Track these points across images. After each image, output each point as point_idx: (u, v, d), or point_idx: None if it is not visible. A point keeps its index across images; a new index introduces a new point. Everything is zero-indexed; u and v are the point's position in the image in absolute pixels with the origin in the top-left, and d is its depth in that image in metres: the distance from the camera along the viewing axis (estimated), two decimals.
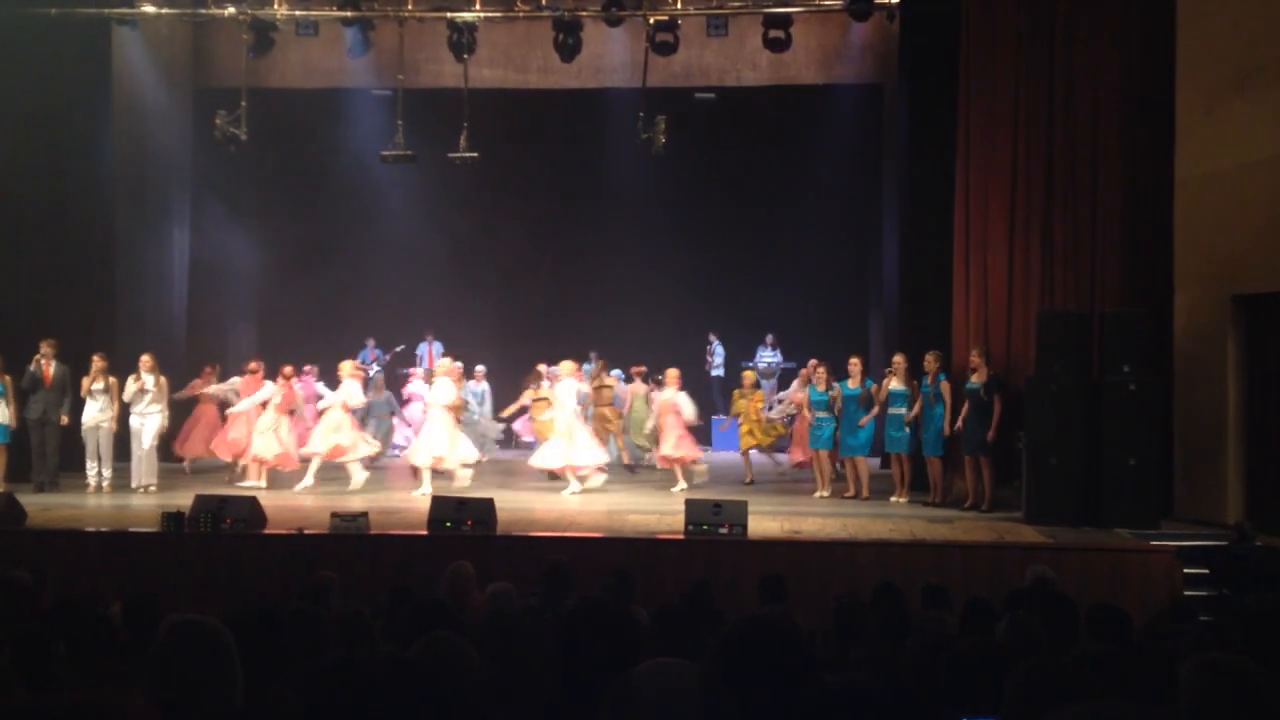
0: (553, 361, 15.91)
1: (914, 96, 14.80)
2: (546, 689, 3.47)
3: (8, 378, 13.52)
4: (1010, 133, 13.21)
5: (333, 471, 14.22)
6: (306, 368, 16.30)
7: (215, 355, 16.63)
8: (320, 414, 14.49)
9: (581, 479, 13.89)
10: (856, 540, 10.97)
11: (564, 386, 14.10)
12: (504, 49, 17.14)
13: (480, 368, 16.90)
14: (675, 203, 19.16)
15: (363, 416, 15.45)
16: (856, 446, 13.68)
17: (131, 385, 13.54)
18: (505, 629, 5.10)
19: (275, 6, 15.51)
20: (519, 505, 12.65)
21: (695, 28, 15.93)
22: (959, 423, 12.61)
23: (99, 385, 13.55)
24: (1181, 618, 7.55)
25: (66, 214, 15.09)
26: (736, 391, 15.34)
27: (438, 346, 19.27)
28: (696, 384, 16.86)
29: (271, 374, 14.60)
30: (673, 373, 14.77)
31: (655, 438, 15.12)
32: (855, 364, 13.82)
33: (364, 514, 10.97)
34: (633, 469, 15.84)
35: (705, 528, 10.71)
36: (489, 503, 11.13)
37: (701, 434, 16.69)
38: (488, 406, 16.77)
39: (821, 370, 14.09)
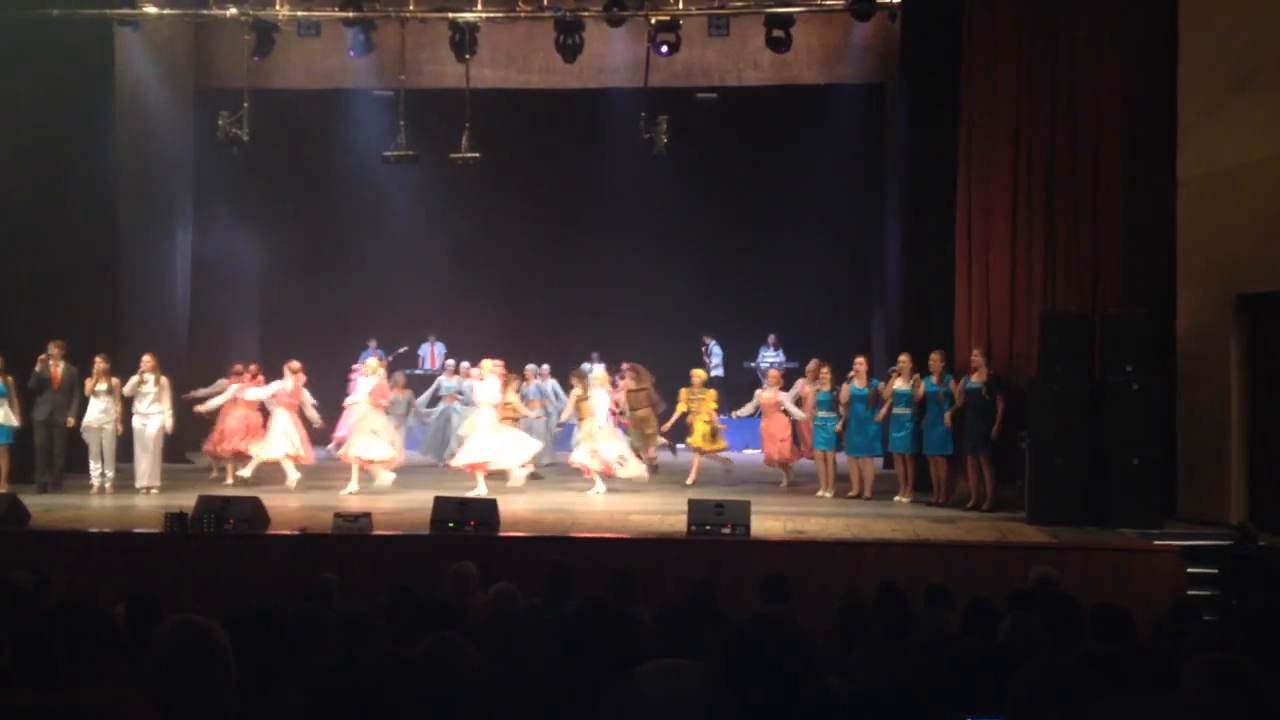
0: (552, 362, 16.00)
1: (916, 96, 14.80)
2: (549, 689, 3.46)
3: (11, 378, 13.53)
4: (1012, 132, 13.21)
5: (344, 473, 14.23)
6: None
7: (218, 356, 16.63)
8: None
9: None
10: (859, 540, 10.97)
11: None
12: (505, 49, 17.15)
13: (544, 367, 16.96)
14: (677, 203, 19.16)
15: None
16: (863, 446, 13.65)
17: (132, 381, 13.55)
18: (508, 629, 5.11)
19: (277, 7, 15.52)
20: (522, 506, 12.65)
21: (697, 27, 15.93)
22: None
23: (102, 386, 13.55)
24: (1185, 617, 7.53)
25: (69, 215, 15.10)
26: (685, 391, 15.11)
27: (440, 347, 19.28)
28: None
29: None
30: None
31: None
32: (861, 363, 13.80)
33: (366, 514, 10.97)
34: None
35: (708, 528, 10.70)
36: (492, 503, 11.13)
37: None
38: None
39: (825, 370, 14.08)
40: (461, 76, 15.92)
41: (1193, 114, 12.37)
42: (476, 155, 15.58)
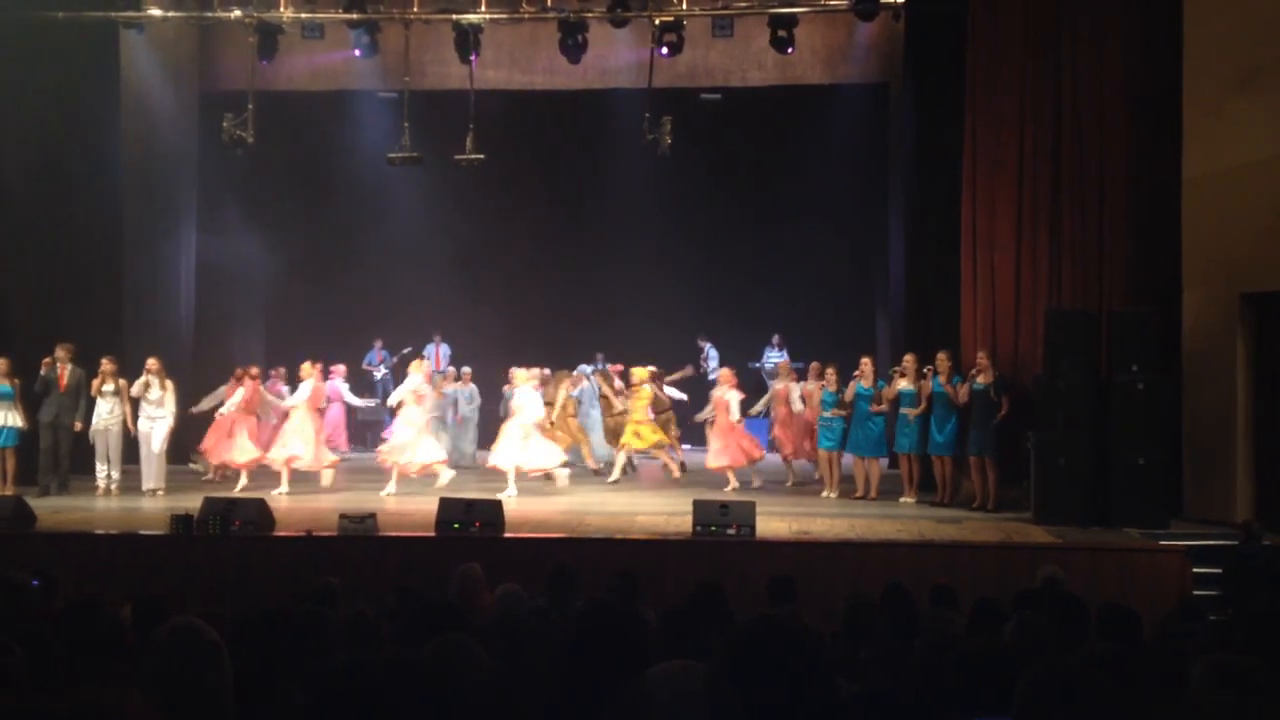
0: (554, 364, 16.00)
1: (920, 96, 14.79)
2: (555, 690, 3.47)
3: (17, 380, 13.55)
4: (1017, 131, 13.20)
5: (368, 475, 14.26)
6: (333, 368, 16.46)
7: (223, 358, 16.62)
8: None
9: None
10: (864, 541, 10.97)
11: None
12: (509, 50, 17.15)
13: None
14: (681, 203, 19.14)
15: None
16: (868, 447, 13.64)
17: (138, 384, 13.57)
18: (514, 630, 5.12)
19: (281, 9, 15.52)
20: (527, 507, 12.65)
21: (701, 28, 15.92)
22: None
23: (109, 388, 13.57)
24: (1191, 617, 7.54)
25: (74, 218, 15.11)
26: (629, 388, 15.07)
27: (445, 348, 19.27)
28: (694, 389, 16.80)
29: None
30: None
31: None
32: (866, 363, 13.79)
33: (372, 516, 10.98)
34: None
35: (713, 529, 10.71)
36: (497, 504, 11.15)
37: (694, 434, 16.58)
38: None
39: (830, 370, 14.07)
40: (465, 78, 15.92)
41: (1197, 113, 12.35)
42: (480, 156, 15.57)
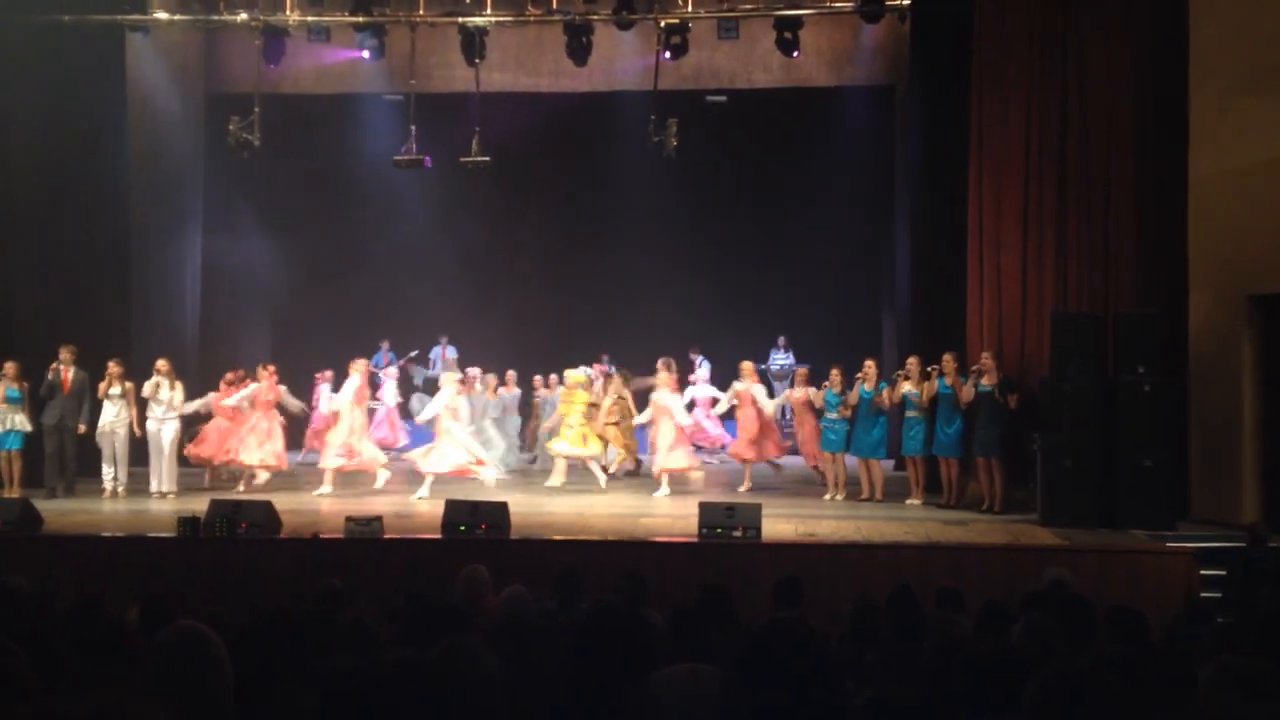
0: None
1: (925, 97, 14.78)
2: (562, 692, 3.47)
3: (24, 384, 13.57)
4: (1023, 133, 13.18)
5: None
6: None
7: (229, 360, 16.61)
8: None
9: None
10: (870, 543, 10.96)
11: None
12: (515, 53, 17.17)
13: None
14: (687, 205, 19.15)
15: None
16: (870, 448, 13.63)
17: (148, 386, 13.59)
18: (520, 632, 5.11)
19: (287, 12, 15.54)
20: (533, 509, 12.65)
21: (706, 30, 15.92)
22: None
23: (115, 390, 13.59)
24: (1199, 620, 7.51)
25: (81, 220, 15.14)
26: (563, 392, 15.01)
27: (451, 350, 19.29)
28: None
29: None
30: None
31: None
32: (870, 366, 13.78)
33: (378, 518, 10.98)
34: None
35: (719, 531, 10.70)
36: (502, 506, 11.14)
37: None
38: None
39: (835, 372, 14.06)
40: (471, 80, 15.94)
41: (1204, 113, 12.33)
42: (486, 159, 15.59)
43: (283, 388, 14.67)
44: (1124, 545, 10.88)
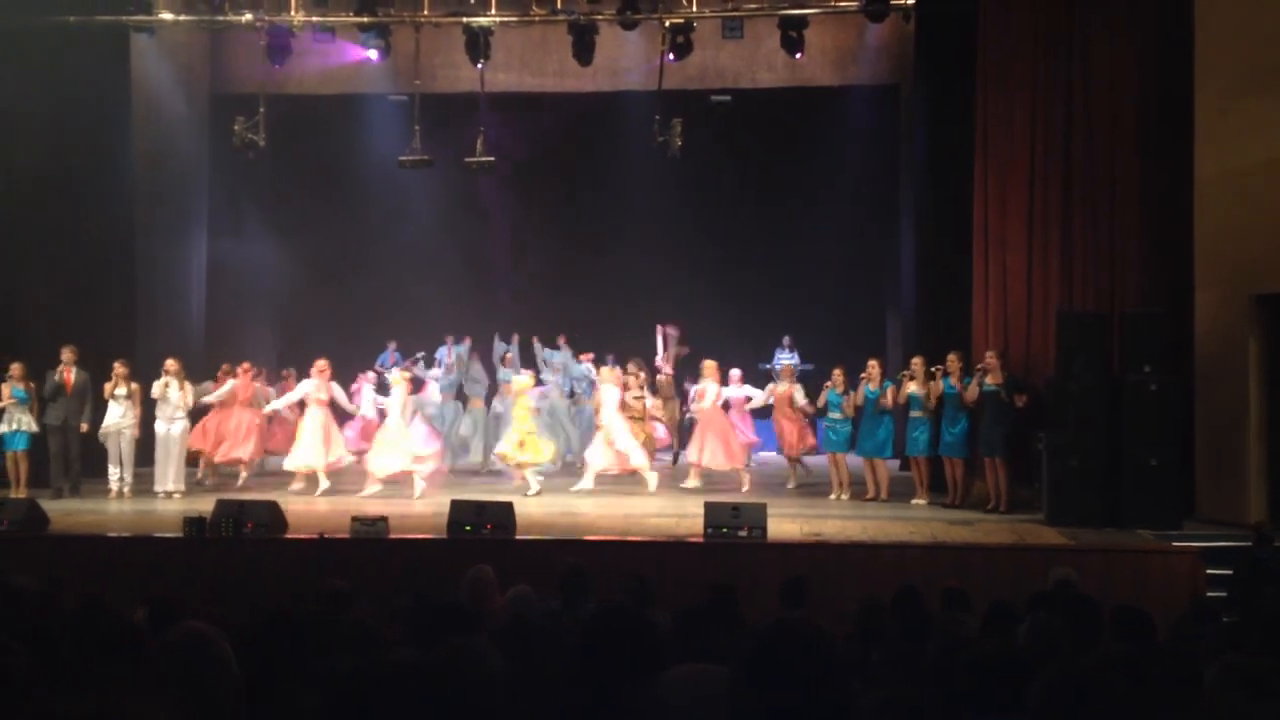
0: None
1: (930, 97, 14.78)
2: (568, 692, 3.47)
3: (31, 384, 13.59)
4: (1028, 132, 13.17)
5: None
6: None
7: (235, 361, 16.60)
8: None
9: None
10: (876, 542, 10.96)
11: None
12: (519, 53, 17.17)
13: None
14: (692, 205, 19.14)
15: None
16: (875, 448, 13.63)
17: (157, 386, 13.60)
18: (526, 633, 5.11)
19: (292, 13, 15.55)
20: (539, 509, 12.65)
21: (711, 30, 15.91)
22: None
23: (121, 390, 13.61)
24: (1204, 619, 7.50)
25: (86, 221, 15.17)
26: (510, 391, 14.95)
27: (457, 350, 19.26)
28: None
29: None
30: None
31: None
32: (874, 366, 13.78)
33: (383, 518, 10.99)
34: None
35: (724, 530, 10.70)
36: (508, 506, 11.14)
37: None
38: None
39: (837, 372, 14.07)
40: (476, 80, 15.95)
41: (1209, 112, 12.32)
42: (491, 159, 15.60)
43: (261, 386, 14.77)
44: (1130, 545, 10.86)
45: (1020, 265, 13.17)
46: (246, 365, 14.89)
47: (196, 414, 14.70)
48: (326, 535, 11.05)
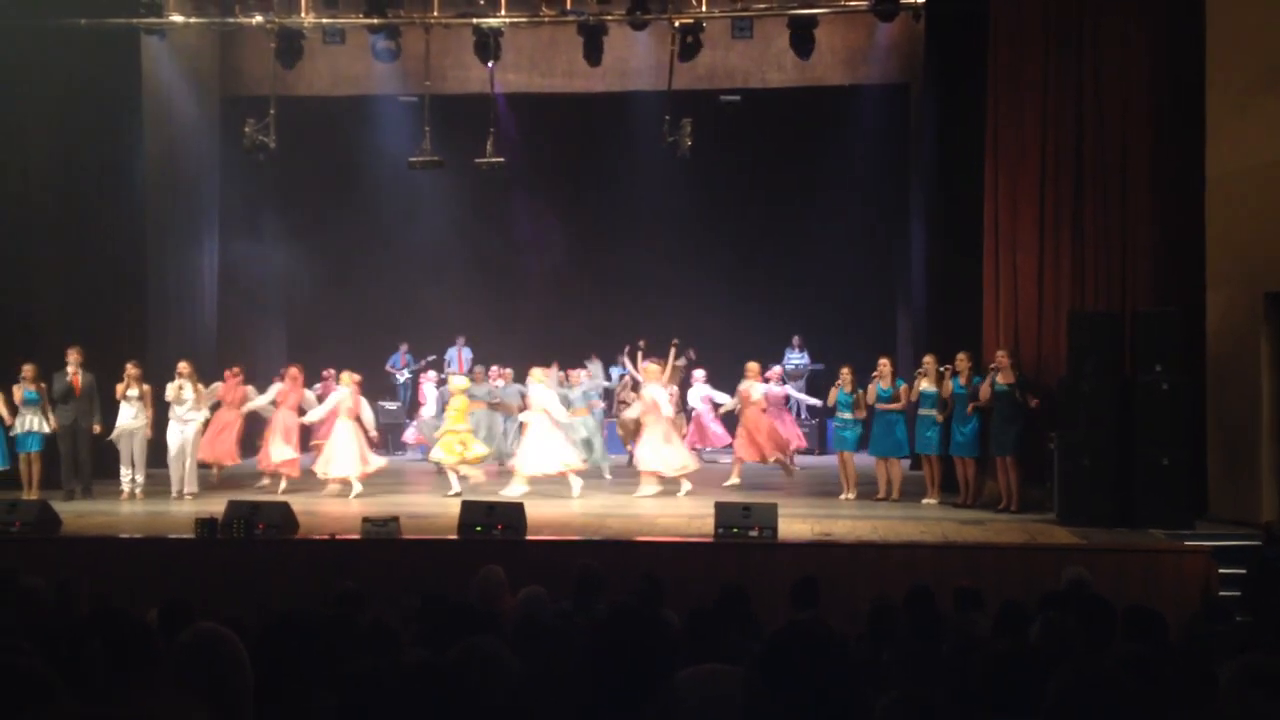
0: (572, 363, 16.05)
1: (940, 96, 14.75)
2: (580, 693, 3.47)
3: (43, 385, 13.63)
4: (1039, 131, 13.13)
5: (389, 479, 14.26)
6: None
7: (246, 363, 16.67)
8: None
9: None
10: (887, 542, 10.95)
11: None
12: (529, 53, 17.19)
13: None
14: (701, 205, 19.15)
15: None
16: (889, 448, 13.61)
17: (171, 388, 13.63)
18: (538, 633, 5.12)
19: (302, 15, 15.58)
20: (548, 509, 12.66)
21: (720, 30, 15.91)
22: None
23: (134, 392, 13.64)
24: (1217, 619, 7.48)
25: (98, 224, 15.22)
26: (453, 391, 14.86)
27: (467, 352, 19.32)
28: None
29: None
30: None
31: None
32: (885, 364, 13.77)
33: (395, 519, 11.01)
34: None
35: (735, 530, 10.70)
36: (519, 507, 11.15)
37: None
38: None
39: (846, 371, 14.07)
40: (486, 81, 15.96)
41: (1221, 111, 12.27)
42: (501, 160, 15.61)
43: (250, 388, 14.88)
44: (1142, 544, 10.84)
45: (1031, 264, 13.14)
46: (236, 369, 14.97)
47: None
48: (338, 536, 11.07)
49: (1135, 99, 12.88)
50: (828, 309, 19.24)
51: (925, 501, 13.26)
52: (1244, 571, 10.07)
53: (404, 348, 19.31)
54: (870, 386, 13.68)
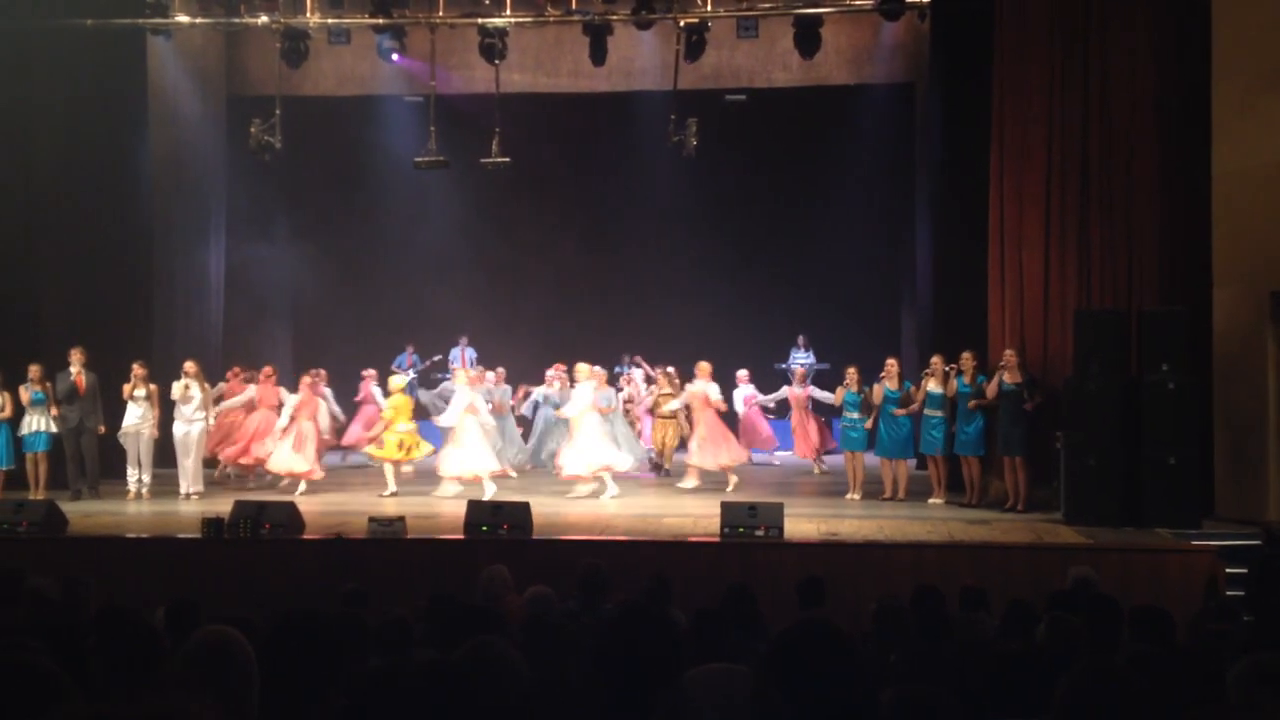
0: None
1: (946, 95, 14.73)
2: (587, 692, 3.47)
3: (49, 385, 13.66)
4: (1044, 130, 13.11)
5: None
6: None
7: (252, 362, 16.68)
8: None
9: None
10: (893, 542, 10.94)
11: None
12: (534, 53, 17.20)
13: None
14: (707, 205, 19.15)
15: None
16: (895, 448, 13.60)
17: (177, 388, 13.65)
18: (544, 632, 5.12)
19: (308, 15, 15.60)
20: (554, 509, 12.66)
21: (725, 29, 15.91)
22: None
23: (140, 392, 13.66)
24: (1224, 618, 7.47)
25: (104, 224, 15.23)
26: (389, 400, 14.75)
27: (470, 352, 19.33)
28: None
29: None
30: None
31: None
32: (892, 365, 13.77)
33: (401, 519, 11.02)
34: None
35: (741, 530, 10.69)
36: (525, 507, 11.16)
37: None
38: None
39: (852, 371, 14.07)
40: (491, 81, 15.98)
41: (1227, 110, 12.26)
42: (506, 160, 15.61)
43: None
44: (1148, 544, 10.82)
45: (1037, 264, 13.12)
46: (236, 369, 15.06)
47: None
48: (344, 536, 11.08)
49: (1141, 98, 12.86)
50: (833, 308, 19.23)
51: (931, 501, 13.25)
52: (1245, 571, 10.06)
53: (410, 348, 19.33)
54: (877, 387, 13.68)
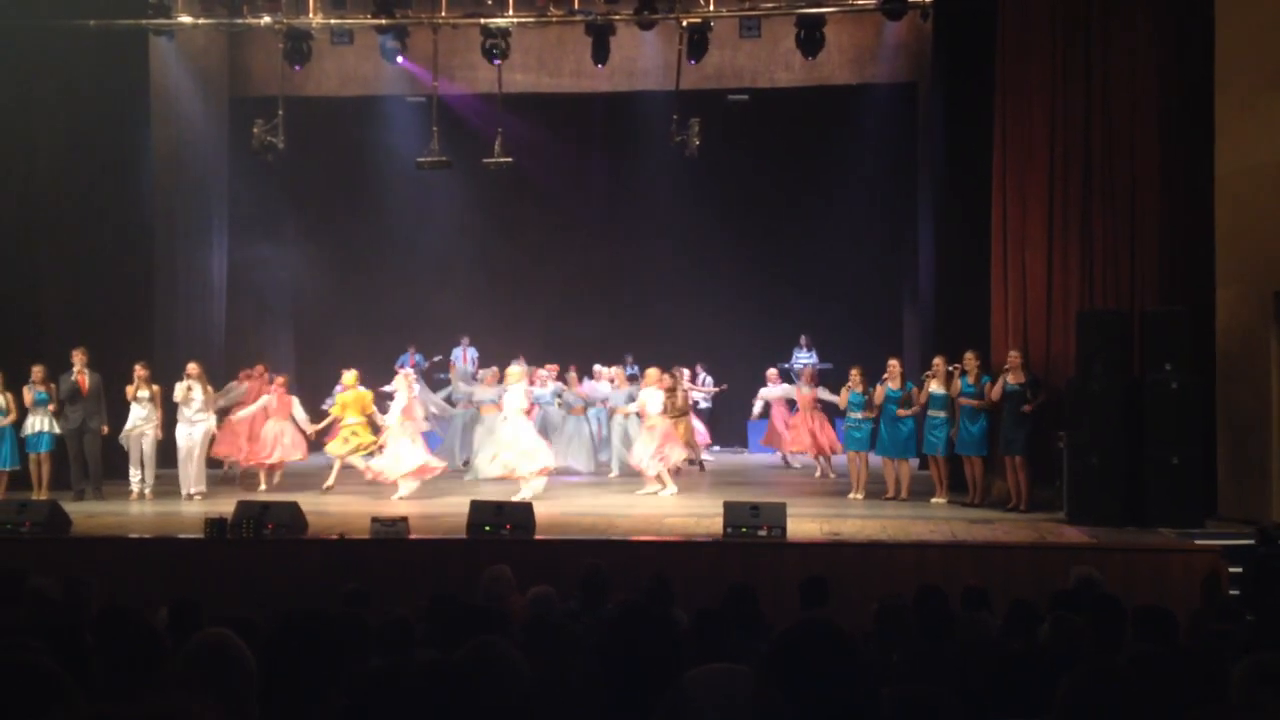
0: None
1: (948, 95, 14.73)
2: (588, 692, 3.47)
3: (52, 386, 13.67)
4: (1047, 131, 13.11)
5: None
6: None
7: (254, 363, 16.69)
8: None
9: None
10: (896, 542, 10.93)
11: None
12: (537, 53, 17.20)
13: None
14: (709, 205, 19.13)
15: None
16: (898, 448, 13.60)
17: (180, 390, 13.66)
18: (546, 632, 5.12)
19: (310, 15, 15.60)
20: (557, 509, 12.67)
21: (728, 29, 15.91)
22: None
23: (143, 393, 13.67)
24: (1227, 617, 7.46)
25: (106, 224, 15.25)
26: (340, 396, 14.74)
27: (472, 351, 19.33)
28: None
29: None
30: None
31: None
32: (894, 365, 13.76)
33: (404, 519, 11.02)
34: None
35: (744, 530, 10.69)
36: (527, 507, 11.17)
37: None
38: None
39: (855, 371, 14.07)
40: (494, 81, 15.99)
41: (1230, 109, 12.24)
42: (509, 160, 15.62)
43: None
44: (1151, 543, 10.81)
45: (1039, 263, 13.11)
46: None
47: (221, 416, 14.78)
48: (347, 536, 11.08)
49: (1144, 98, 12.85)
50: (836, 308, 19.22)
51: (934, 501, 13.24)
52: (1242, 571, 10.06)
53: (412, 349, 19.33)
54: (879, 387, 13.68)
